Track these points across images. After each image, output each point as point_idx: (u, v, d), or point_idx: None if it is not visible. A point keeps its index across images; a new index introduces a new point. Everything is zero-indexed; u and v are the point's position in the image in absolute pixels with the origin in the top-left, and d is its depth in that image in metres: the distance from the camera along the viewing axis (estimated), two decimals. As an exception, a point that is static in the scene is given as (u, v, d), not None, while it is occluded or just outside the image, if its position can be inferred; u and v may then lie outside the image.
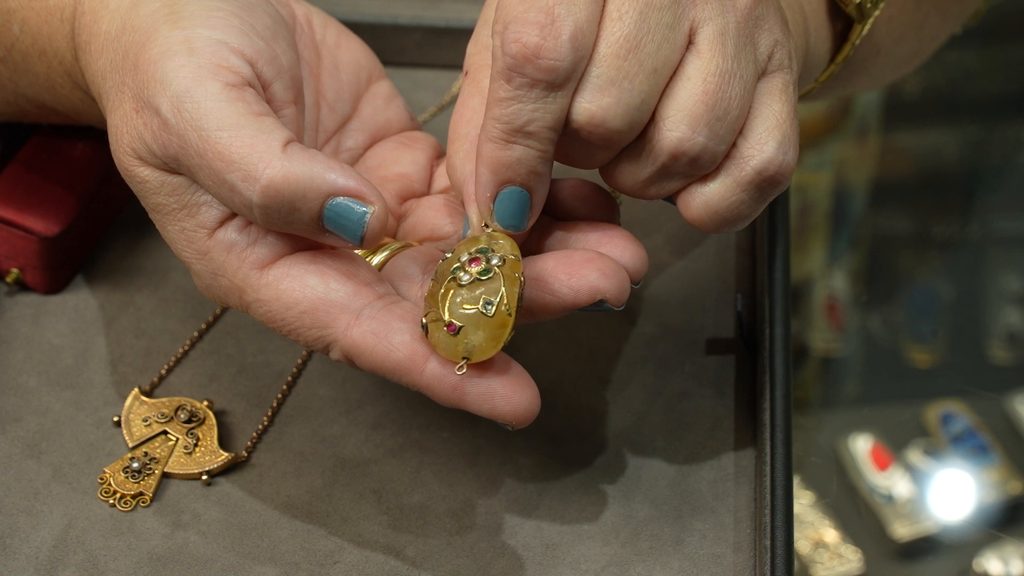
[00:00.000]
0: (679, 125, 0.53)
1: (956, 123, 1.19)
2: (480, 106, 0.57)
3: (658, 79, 0.53)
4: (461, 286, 0.54)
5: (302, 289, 0.55)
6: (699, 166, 0.54)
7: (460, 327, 0.54)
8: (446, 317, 0.54)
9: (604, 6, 0.53)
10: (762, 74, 0.55)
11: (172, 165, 0.55)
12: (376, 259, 0.60)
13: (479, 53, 0.58)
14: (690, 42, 0.54)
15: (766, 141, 0.55)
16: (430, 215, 0.62)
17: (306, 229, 0.55)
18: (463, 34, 0.78)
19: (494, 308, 0.54)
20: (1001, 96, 1.21)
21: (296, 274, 0.56)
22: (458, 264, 0.54)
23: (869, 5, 0.65)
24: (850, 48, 0.66)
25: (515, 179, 0.54)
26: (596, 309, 0.56)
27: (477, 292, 0.54)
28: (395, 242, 0.61)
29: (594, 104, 0.53)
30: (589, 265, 0.55)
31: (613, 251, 0.57)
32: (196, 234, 0.56)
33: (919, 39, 0.76)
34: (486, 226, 0.56)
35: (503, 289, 0.54)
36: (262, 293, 0.56)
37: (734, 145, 0.55)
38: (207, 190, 0.55)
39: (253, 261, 0.56)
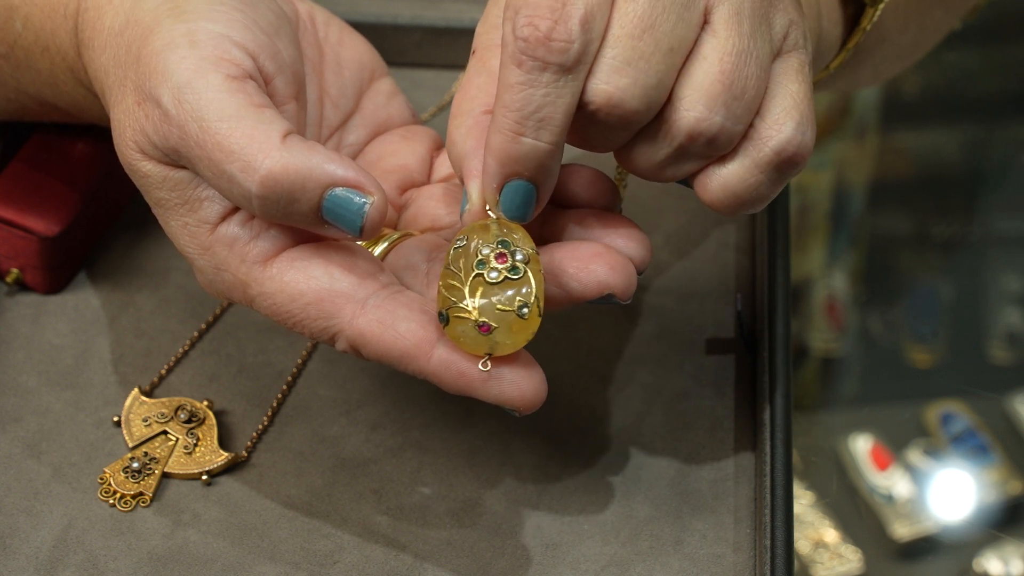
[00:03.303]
0: (696, 105, 0.53)
1: (956, 123, 1.19)
2: (485, 84, 0.56)
3: (674, 58, 0.53)
4: (491, 283, 0.54)
5: (307, 280, 0.55)
6: (716, 147, 0.54)
7: (494, 327, 0.54)
8: (477, 316, 0.54)
9: None
10: (777, 54, 0.55)
11: (173, 158, 0.56)
12: (377, 250, 0.60)
13: (487, 33, 0.57)
14: (705, 21, 0.54)
15: (784, 121, 0.54)
16: (430, 205, 0.62)
17: (305, 220, 0.55)
18: (463, 34, 0.78)
19: (529, 311, 0.54)
20: (1001, 96, 1.21)
21: (300, 266, 0.56)
22: (481, 258, 0.54)
23: None
24: (861, 34, 0.66)
25: (523, 173, 0.54)
26: (603, 303, 0.56)
27: (509, 292, 0.54)
28: (395, 232, 0.61)
29: (611, 85, 0.52)
30: (598, 259, 0.55)
31: (618, 240, 0.57)
32: (199, 229, 0.56)
33: (921, 28, 0.76)
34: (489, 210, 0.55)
35: (535, 290, 0.54)
36: (266, 286, 0.56)
37: (751, 126, 0.54)
38: (208, 182, 0.55)
39: (256, 255, 0.56)
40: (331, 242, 0.57)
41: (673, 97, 0.54)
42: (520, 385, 0.55)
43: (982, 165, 1.19)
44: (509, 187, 0.54)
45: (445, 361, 0.54)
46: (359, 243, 0.59)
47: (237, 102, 0.54)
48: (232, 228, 0.56)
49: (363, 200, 0.54)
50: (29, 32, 0.63)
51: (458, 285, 0.54)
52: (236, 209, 0.56)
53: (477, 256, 0.54)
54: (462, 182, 0.56)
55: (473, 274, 0.54)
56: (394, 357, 0.55)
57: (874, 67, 0.75)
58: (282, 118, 0.55)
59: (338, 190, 0.54)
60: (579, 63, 0.52)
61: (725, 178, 0.55)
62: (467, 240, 0.54)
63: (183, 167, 0.56)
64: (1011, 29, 1.19)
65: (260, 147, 0.53)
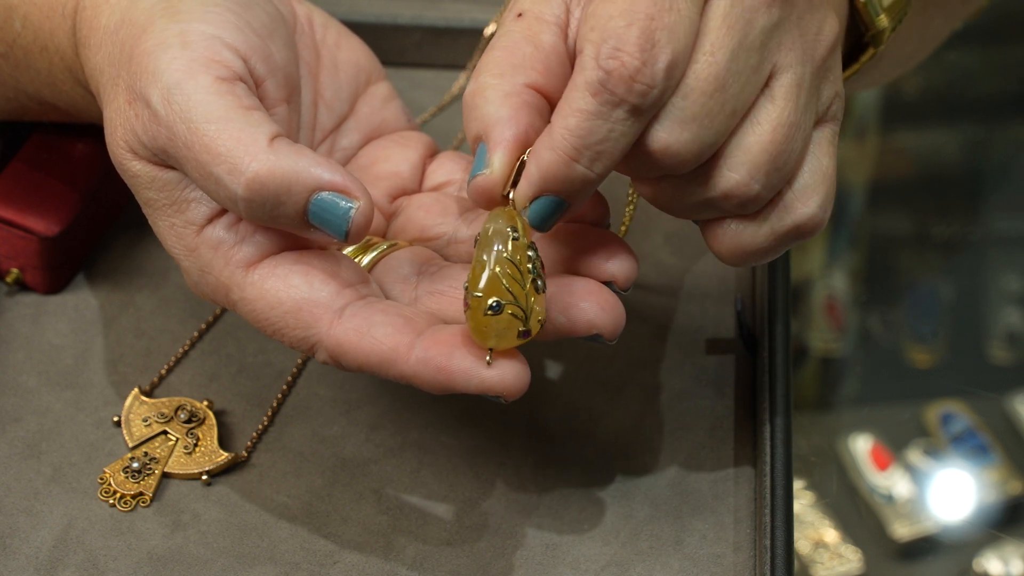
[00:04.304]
0: (740, 169, 0.53)
1: (956, 123, 1.19)
2: (532, 56, 0.54)
3: (734, 120, 0.53)
4: (537, 293, 0.54)
5: (286, 289, 0.55)
6: (744, 208, 0.54)
7: (531, 335, 0.54)
8: (528, 323, 0.54)
9: (697, 39, 0.52)
10: (817, 123, 0.56)
11: (162, 158, 0.56)
12: (365, 260, 0.60)
13: (537, 4, 0.55)
14: (766, 84, 0.54)
15: (811, 196, 0.55)
16: (420, 215, 0.62)
17: (291, 224, 0.55)
18: (463, 34, 0.78)
19: (544, 326, 0.55)
20: (1001, 96, 1.21)
21: (281, 273, 0.56)
22: (531, 262, 0.54)
23: (889, 32, 0.65)
24: (859, 66, 0.66)
25: (561, 192, 0.53)
26: (589, 340, 0.56)
27: (539, 305, 0.54)
28: (384, 242, 0.61)
29: (672, 136, 0.52)
30: (590, 299, 0.55)
31: (602, 258, 0.56)
32: (185, 230, 0.57)
33: (922, 38, 0.76)
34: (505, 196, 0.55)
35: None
36: (247, 292, 0.56)
37: (779, 193, 0.55)
38: (195, 183, 0.55)
39: (239, 260, 0.56)
40: (315, 251, 0.57)
41: (719, 154, 0.54)
42: (501, 372, 0.54)
43: (982, 165, 1.19)
44: (544, 200, 0.54)
45: (423, 359, 0.54)
46: (345, 252, 0.59)
47: (226, 104, 0.54)
48: (218, 231, 0.56)
49: (349, 205, 0.54)
50: (28, 31, 0.63)
51: (520, 285, 0.54)
52: (223, 212, 0.56)
53: (528, 258, 0.54)
54: (474, 140, 0.55)
55: (531, 278, 0.54)
56: (373, 363, 0.55)
57: (871, 78, 0.75)
58: (271, 121, 0.55)
59: (324, 194, 0.54)
60: (652, 108, 0.52)
61: (740, 236, 0.55)
62: (520, 234, 0.54)
63: (172, 167, 0.56)
64: (1011, 29, 1.19)
65: (247, 150, 0.53)
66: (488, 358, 0.54)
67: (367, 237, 0.61)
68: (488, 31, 0.78)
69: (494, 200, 0.54)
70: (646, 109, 0.51)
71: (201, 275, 0.57)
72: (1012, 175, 1.18)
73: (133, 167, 0.57)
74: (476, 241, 0.54)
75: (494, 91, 0.54)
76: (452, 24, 0.78)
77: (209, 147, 0.54)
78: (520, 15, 0.55)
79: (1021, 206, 1.14)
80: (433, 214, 0.62)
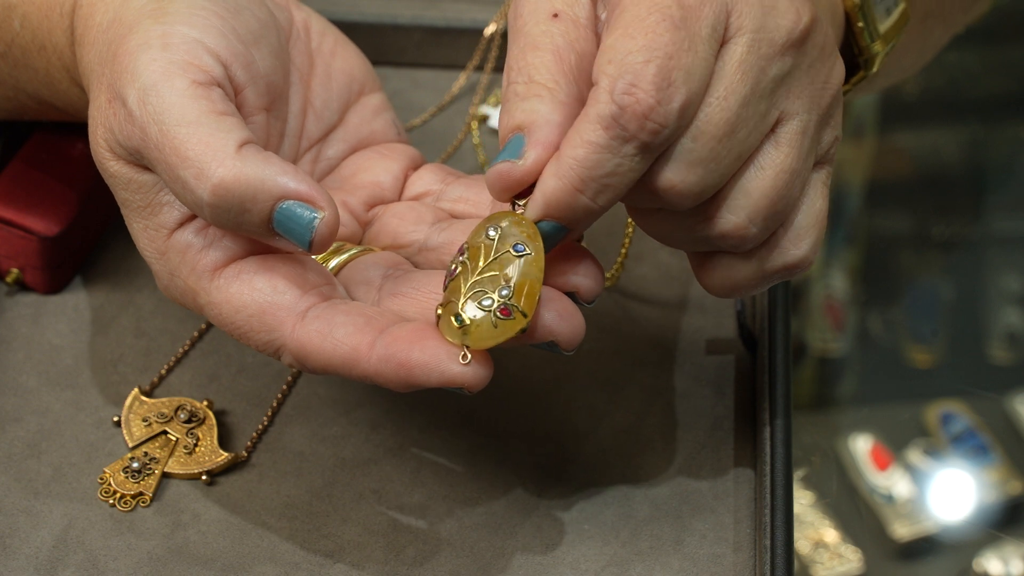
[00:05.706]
0: (739, 212, 0.53)
1: (955, 123, 1.19)
2: (576, 65, 0.54)
3: (739, 163, 0.53)
4: None
5: (250, 292, 0.55)
6: (738, 248, 0.55)
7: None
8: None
9: (711, 82, 0.52)
10: (814, 165, 0.56)
11: (136, 158, 0.56)
12: (332, 263, 0.60)
13: (573, 5, 0.55)
14: (771, 129, 0.54)
15: (803, 238, 0.55)
16: (394, 223, 0.62)
17: (256, 231, 0.55)
18: (463, 34, 0.78)
19: None
20: (1001, 96, 1.21)
21: (246, 278, 0.56)
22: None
23: (882, 57, 0.65)
24: (849, 87, 0.66)
25: (563, 220, 0.53)
26: (545, 348, 0.56)
27: None
28: (355, 247, 0.61)
29: (678, 177, 0.52)
30: (547, 305, 0.55)
31: (568, 268, 0.56)
32: (156, 233, 0.57)
33: (921, 50, 0.76)
34: (516, 205, 0.54)
35: None
36: (213, 296, 0.56)
37: (773, 233, 0.55)
38: (167, 185, 0.55)
39: (206, 264, 0.56)
40: (281, 254, 0.57)
41: (719, 194, 0.54)
42: (463, 366, 0.54)
43: (982, 165, 1.19)
44: (543, 224, 0.53)
45: (383, 357, 0.54)
46: (315, 257, 0.59)
47: (199, 108, 0.54)
48: (186, 235, 0.56)
49: (313, 215, 0.54)
50: (27, 31, 0.63)
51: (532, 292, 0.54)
52: (194, 217, 0.56)
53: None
54: (512, 129, 0.54)
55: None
56: (337, 365, 0.55)
57: (867, 89, 0.75)
58: (243, 127, 0.55)
59: (289, 203, 0.54)
60: (662, 146, 0.52)
61: (729, 272, 0.56)
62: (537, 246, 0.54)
63: (148, 169, 0.56)
64: (1011, 29, 1.19)
65: (215, 155, 0.53)
66: (469, 357, 0.54)
67: (339, 243, 0.61)
68: (488, 31, 0.78)
69: (510, 191, 0.54)
70: (656, 147, 0.51)
71: (170, 279, 0.57)
72: (1012, 175, 1.18)
73: (111, 167, 0.57)
74: (491, 238, 0.54)
75: (551, 95, 0.53)
76: (452, 24, 0.78)
77: (178, 150, 0.54)
78: (556, 16, 0.55)
79: (1021, 206, 1.14)
80: (407, 222, 0.62)
